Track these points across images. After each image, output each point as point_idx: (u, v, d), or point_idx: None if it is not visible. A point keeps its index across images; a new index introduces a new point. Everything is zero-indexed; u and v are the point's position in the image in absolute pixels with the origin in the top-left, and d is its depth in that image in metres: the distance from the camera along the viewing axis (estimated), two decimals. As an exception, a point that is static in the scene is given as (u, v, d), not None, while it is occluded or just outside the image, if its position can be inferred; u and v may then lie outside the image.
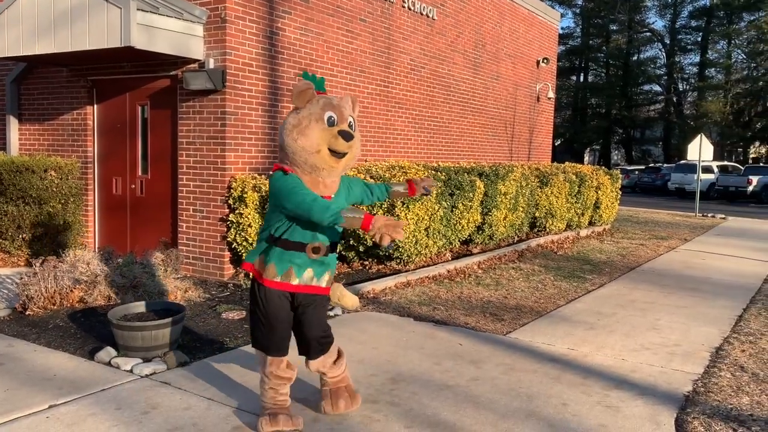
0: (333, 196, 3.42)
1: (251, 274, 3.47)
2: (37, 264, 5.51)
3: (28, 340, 4.90)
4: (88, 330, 5.16)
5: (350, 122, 3.35)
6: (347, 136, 3.24)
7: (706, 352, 5.19)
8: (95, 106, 8.28)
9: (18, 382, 4.07)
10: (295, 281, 3.38)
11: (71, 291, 5.48)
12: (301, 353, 3.57)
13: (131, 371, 4.30)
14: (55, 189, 7.77)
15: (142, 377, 4.22)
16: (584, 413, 3.91)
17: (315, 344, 3.49)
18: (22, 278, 5.51)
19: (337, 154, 3.25)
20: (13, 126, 8.89)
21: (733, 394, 4.31)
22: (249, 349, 4.86)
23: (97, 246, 8.35)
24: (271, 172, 3.45)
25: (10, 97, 8.86)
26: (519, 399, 4.10)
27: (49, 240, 7.79)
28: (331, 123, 3.25)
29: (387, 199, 3.75)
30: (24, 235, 7.67)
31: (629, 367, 4.80)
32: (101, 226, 8.37)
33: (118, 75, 7.87)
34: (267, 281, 3.38)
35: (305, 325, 3.46)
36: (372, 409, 3.85)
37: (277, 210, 3.30)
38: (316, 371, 3.61)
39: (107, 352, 4.52)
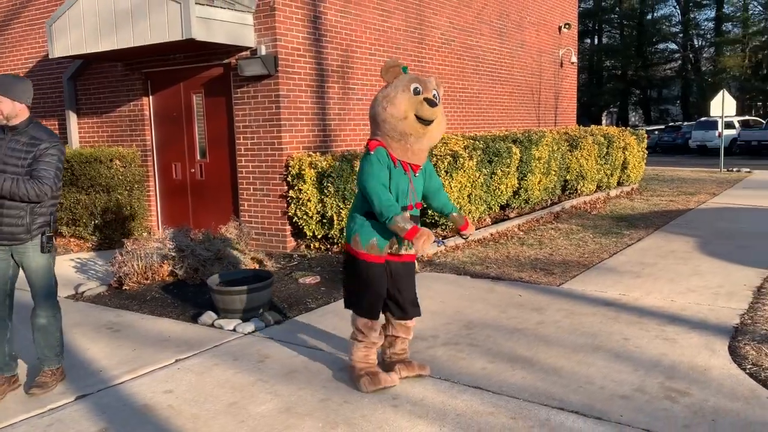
0: (420, 168, 3.71)
1: (349, 251, 3.72)
2: (129, 243, 6.06)
3: (131, 310, 5.46)
4: (184, 299, 5.71)
5: (434, 94, 3.68)
6: (432, 103, 3.54)
7: (748, 291, 5.62)
8: (150, 97, 8.78)
9: (140, 344, 4.62)
10: (390, 251, 3.68)
11: (161, 266, 6.03)
12: (397, 317, 3.85)
13: (234, 330, 4.83)
14: (120, 177, 8.31)
15: (245, 334, 4.75)
16: (645, 345, 4.37)
17: (411, 305, 3.82)
18: (116, 257, 6.06)
19: (424, 121, 3.54)
20: (73, 120, 9.43)
21: (777, 323, 4.75)
22: (331, 307, 5.38)
23: (160, 229, 8.91)
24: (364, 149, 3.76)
25: (68, 94, 9.39)
26: (584, 337, 4.57)
27: (118, 225, 8.35)
28: (416, 92, 3.56)
29: (445, 217, 4.01)
30: (96, 221, 8.23)
31: (679, 306, 5.25)
32: (163, 210, 8.92)
33: (171, 66, 8.35)
34: (365, 255, 3.61)
35: (404, 290, 3.78)
36: (455, 350, 4.35)
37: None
38: (403, 336, 3.90)
39: (209, 316, 5.06)
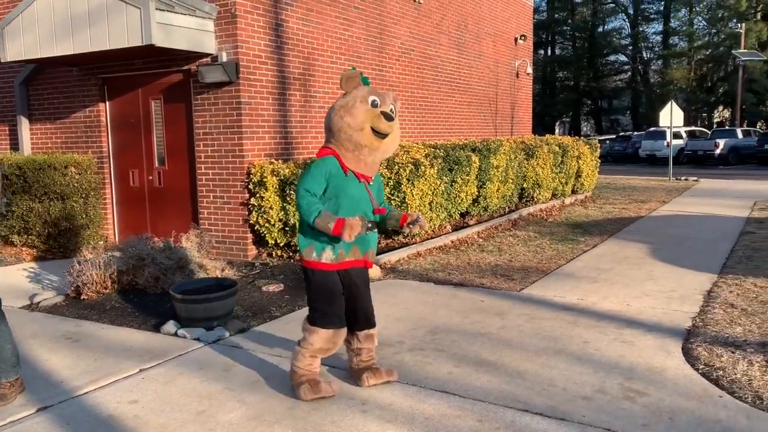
0: (372, 178, 3.74)
1: (303, 261, 3.69)
2: (87, 251, 5.93)
3: (91, 320, 5.34)
4: (145, 308, 5.62)
5: (391, 108, 3.68)
6: (388, 117, 3.59)
7: (699, 295, 5.85)
8: (107, 102, 8.61)
9: (101, 353, 4.53)
10: (346, 258, 3.65)
11: (121, 275, 5.91)
12: (360, 328, 3.84)
13: (198, 339, 4.78)
14: (76, 184, 8.12)
15: (209, 343, 4.70)
16: (604, 348, 4.51)
17: (370, 314, 3.84)
18: (73, 266, 5.92)
19: (379, 135, 3.59)
20: (25, 126, 9.17)
21: (727, 326, 4.95)
22: (295, 315, 5.38)
23: (117, 237, 8.73)
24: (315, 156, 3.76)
25: (19, 99, 9.13)
26: (545, 340, 4.69)
27: (73, 234, 8.15)
28: (374, 105, 3.60)
29: (387, 220, 3.91)
30: (50, 230, 8.02)
31: (634, 310, 5.42)
32: (120, 218, 8.74)
33: (129, 72, 8.22)
34: (320, 264, 3.60)
35: (362, 298, 3.80)
36: (422, 355, 4.40)
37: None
38: (365, 347, 3.89)
39: (171, 325, 4.99)
